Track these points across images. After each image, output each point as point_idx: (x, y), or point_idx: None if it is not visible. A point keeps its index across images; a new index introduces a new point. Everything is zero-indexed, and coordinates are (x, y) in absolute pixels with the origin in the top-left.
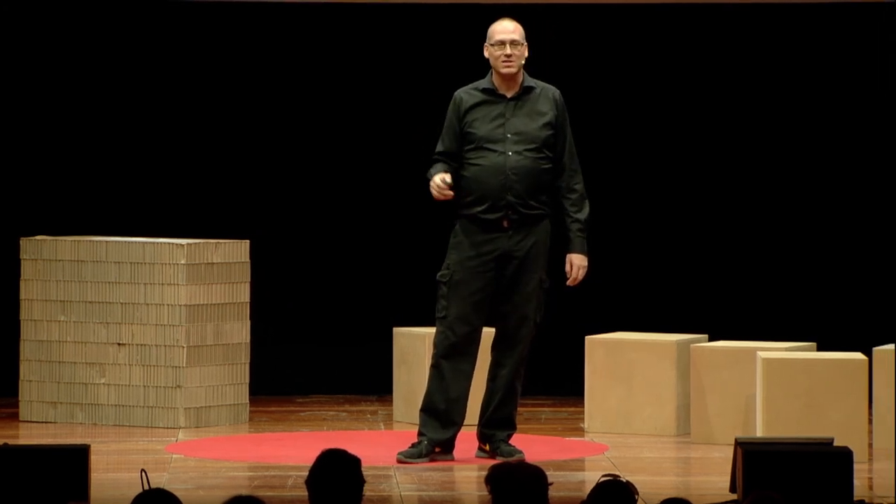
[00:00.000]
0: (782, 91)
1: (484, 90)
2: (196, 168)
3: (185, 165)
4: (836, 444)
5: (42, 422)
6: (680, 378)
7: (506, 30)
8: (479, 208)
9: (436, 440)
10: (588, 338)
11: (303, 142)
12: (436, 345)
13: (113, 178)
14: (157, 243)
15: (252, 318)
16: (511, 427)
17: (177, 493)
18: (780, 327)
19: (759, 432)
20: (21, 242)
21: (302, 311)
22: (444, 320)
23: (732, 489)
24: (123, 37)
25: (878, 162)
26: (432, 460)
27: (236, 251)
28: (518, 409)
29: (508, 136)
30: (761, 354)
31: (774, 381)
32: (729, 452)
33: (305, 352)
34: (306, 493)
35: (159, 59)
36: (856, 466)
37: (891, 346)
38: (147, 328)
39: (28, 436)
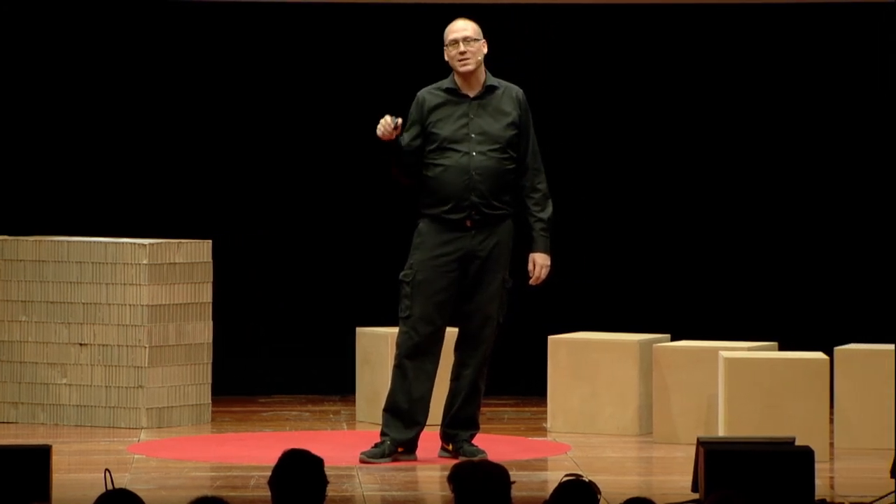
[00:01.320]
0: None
1: (447, 90)
2: (158, 168)
3: (146, 165)
4: (797, 443)
5: (3, 422)
6: (642, 378)
7: (458, 28)
8: (443, 208)
9: (399, 440)
10: (551, 338)
11: (265, 142)
12: (399, 345)
13: (75, 178)
14: (119, 243)
15: (214, 318)
16: (474, 427)
17: (139, 494)
18: (741, 327)
19: (721, 432)
20: None
21: (264, 311)
22: (407, 320)
23: (694, 489)
24: (87, 36)
25: (852, 163)
26: (395, 460)
27: (198, 251)
28: (481, 408)
29: (472, 136)
30: (723, 354)
31: (736, 381)
32: (691, 452)
33: (268, 352)
34: (269, 494)
35: (121, 59)
36: (817, 466)
37: (852, 346)
38: (109, 328)
39: None
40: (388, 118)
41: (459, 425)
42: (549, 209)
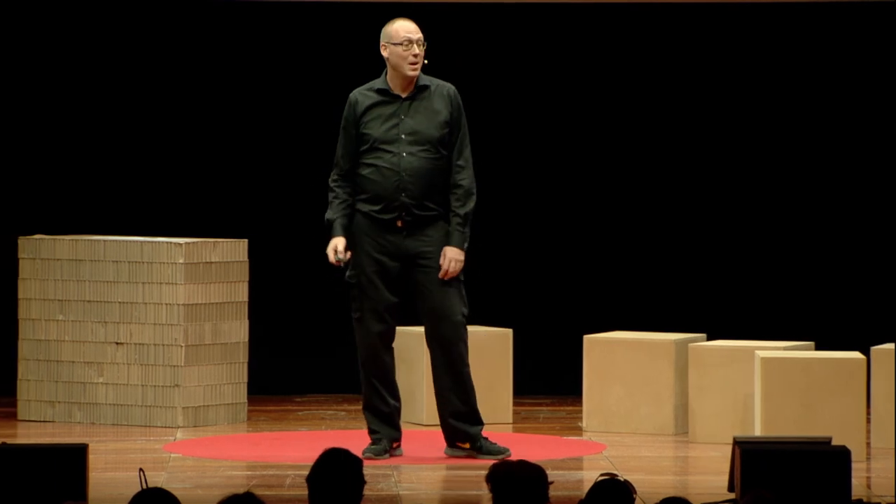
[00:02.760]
0: (782, 91)
1: (378, 90)
2: (194, 167)
3: (183, 164)
4: (833, 443)
5: (40, 421)
6: (678, 377)
7: (412, 28)
8: (374, 207)
9: (392, 437)
10: (586, 337)
11: (300, 140)
12: (359, 345)
13: (111, 177)
14: (156, 242)
15: (250, 317)
16: (479, 422)
17: (175, 493)
18: (778, 326)
19: (757, 431)
20: (19, 241)
21: (300, 310)
22: (360, 321)
23: (730, 488)
24: (119, 35)
25: (877, 161)
26: (392, 455)
27: (234, 250)
28: (480, 404)
29: (402, 136)
30: (759, 353)
31: (773, 381)
32: (727, 451)
33: (304, 351)
34: (304, 493)
35: (155, 57)
36: (854, 465)
37: (889, 346)
38: (145, 327)
39: (26, 435)
40: (330, 254)
41: (465, 420)
42: (470, 205)
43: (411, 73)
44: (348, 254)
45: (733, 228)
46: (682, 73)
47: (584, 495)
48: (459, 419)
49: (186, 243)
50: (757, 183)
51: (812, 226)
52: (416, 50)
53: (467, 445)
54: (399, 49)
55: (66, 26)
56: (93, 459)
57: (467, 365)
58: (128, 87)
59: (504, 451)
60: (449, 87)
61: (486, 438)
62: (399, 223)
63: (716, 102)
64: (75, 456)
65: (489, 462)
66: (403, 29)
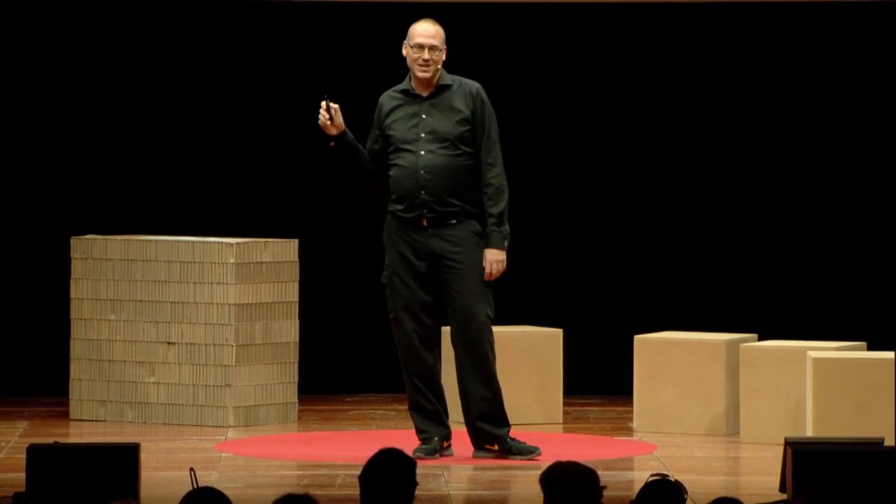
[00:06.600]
0: (822, 91)
1: (403, 91)
2: (245, 167)
3: (235, 165)
4: (886, 443)
5: (92, 420)
6: (729, 377)
7: (426, 33)
8: (399, 207)
9: (442, 435)
10: (637, 337)
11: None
12: (398, 344)
13: (162, 178)
14: (207, 242)
15: (301, 316)
16: (505, 423)
17: (226, 492)
18: (830, 327)
19: (809, 432)
20: (71, 241)
21: (350, 310)
22: (396, 321)
23: (782, 489)
24: (170, 37)
25: None
26: (442, 455)
27: (285, 250)
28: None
29: (422, 135)
30: (811, 354)
31: (824, 381)
32: (778, 452)
33: (354, 350)
34: (355, 493)
35: (204, 59)
36: None
37: None
38: (196, 327)
39: (78, 434)
40: (322, 112)
41: (490, 421)
42: (502, 203)
43: (420, 76)
44: (336, 113)
45: (786, 228)
46: (724, 71)
47: (634, 496)
48: (486, 421)
49: (237, 243)
50: (806, 183)
51: (866, 226)
52: (426, 55)
53: (496, 447)
54: (412, 51)
55: (114, 29)
56: (144, 459)
57: (494, 366)
58: (176, 89)
59: (534, 450)
60: (472, 86)
61: (513, 438)
62: (424, 221)
63: (760, 104)
64: (127, 455)
65: (525, 462)
66: (420, 32)
